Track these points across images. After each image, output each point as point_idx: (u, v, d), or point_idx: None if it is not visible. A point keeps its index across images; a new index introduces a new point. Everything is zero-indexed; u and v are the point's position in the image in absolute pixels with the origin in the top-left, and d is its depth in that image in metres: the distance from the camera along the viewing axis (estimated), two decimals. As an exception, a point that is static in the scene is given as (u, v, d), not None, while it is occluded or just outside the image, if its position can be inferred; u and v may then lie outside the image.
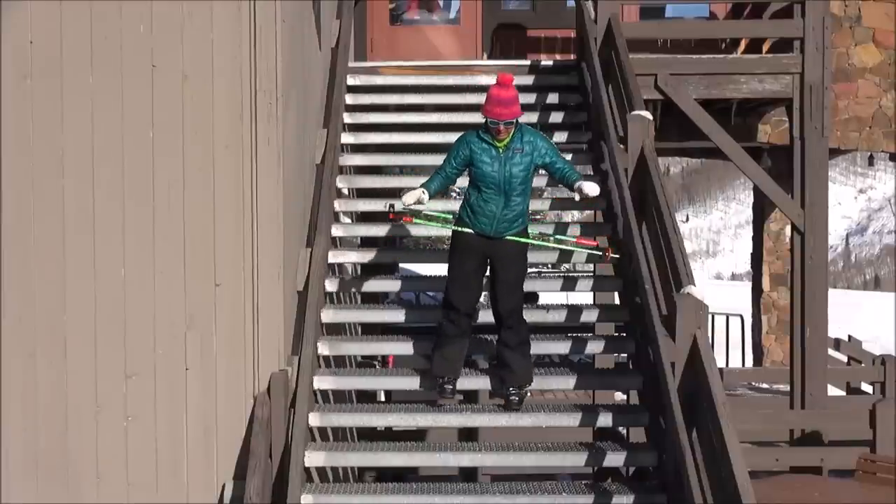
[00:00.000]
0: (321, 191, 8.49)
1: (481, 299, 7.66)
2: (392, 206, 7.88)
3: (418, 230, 8.55)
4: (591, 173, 9.48)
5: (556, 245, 8.13)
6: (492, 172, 7.30)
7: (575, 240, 8.36)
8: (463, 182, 7.77)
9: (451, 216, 7.86)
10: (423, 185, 7.56)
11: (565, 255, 9.08)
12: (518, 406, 7.43)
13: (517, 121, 7.35)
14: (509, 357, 7.43)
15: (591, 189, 7.48)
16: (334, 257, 8.47)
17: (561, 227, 8.92)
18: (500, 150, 7.33)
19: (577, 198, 7.62)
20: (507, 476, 9.27)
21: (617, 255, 8.12)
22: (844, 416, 11.48)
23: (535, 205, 9.66)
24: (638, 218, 7.85)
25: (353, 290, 9.08)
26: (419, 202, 7.46)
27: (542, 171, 7.64)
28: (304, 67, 8.27)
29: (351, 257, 8.74)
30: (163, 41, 7.10)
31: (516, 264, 7.45)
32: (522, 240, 7.48)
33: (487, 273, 7.54)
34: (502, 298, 7.40)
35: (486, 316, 7.62)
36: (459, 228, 7.45)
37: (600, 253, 8.08)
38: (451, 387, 7.47)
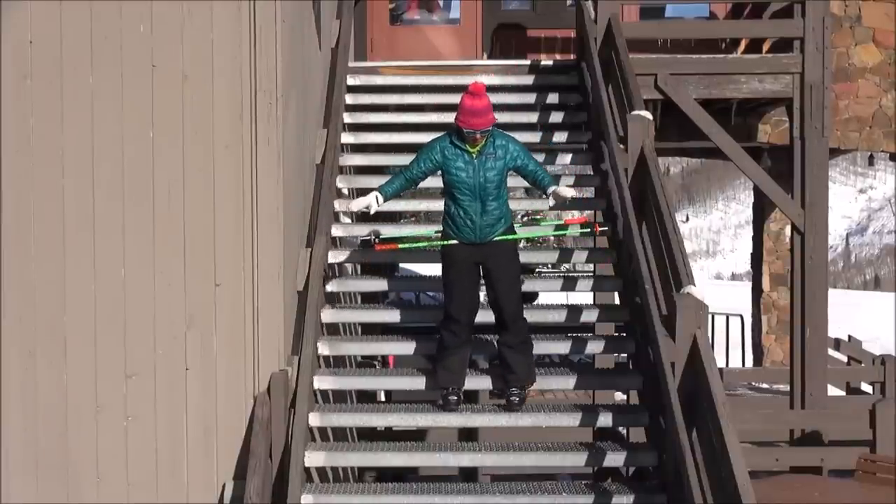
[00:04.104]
0: (321, 191, 8.48)
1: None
2: (377, 236, 7.91)
3: (413, 237, 8.52)
4: (591, 173, 9.49)
5: (545, 232, 8.20)
6: (466, 178, 7.28)
7: (563, 221, 8.51)
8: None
9: (435, 234, 7.83)
10: (379, 189, 7.56)
11: (565, 255, 9.10)
12: (520, 406, 7.43)
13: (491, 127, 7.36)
14: (511, 357, 7.42)
15: (568, 192, 7.48)
16: (334, 257, 8.46)
17: (547, 215, 9.06)
18: (474, 156, 7.30)
19: (550, 202, 7.63)
20: (507, 476, 9.27)
21: (605, 227, 8.26)
22: (844, 416, 11.47)
23: (535, 205, 9.68)
24: (638, 218, 7.85)
25: (353, 290, 9.06)
26: (367, 208, 7.47)
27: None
28: (304, 67, 8.26)
29: (351, 257, 8.73)
30: (163, 41, 7.10)
31: (509, 264, 7.43)
32: (511, 236, 7.47)
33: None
34: (500, 299, 7.40)
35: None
36: (446, 242, 7.44)
37: (589, 229, 8.21)
38: (455, 397, 7.46)
